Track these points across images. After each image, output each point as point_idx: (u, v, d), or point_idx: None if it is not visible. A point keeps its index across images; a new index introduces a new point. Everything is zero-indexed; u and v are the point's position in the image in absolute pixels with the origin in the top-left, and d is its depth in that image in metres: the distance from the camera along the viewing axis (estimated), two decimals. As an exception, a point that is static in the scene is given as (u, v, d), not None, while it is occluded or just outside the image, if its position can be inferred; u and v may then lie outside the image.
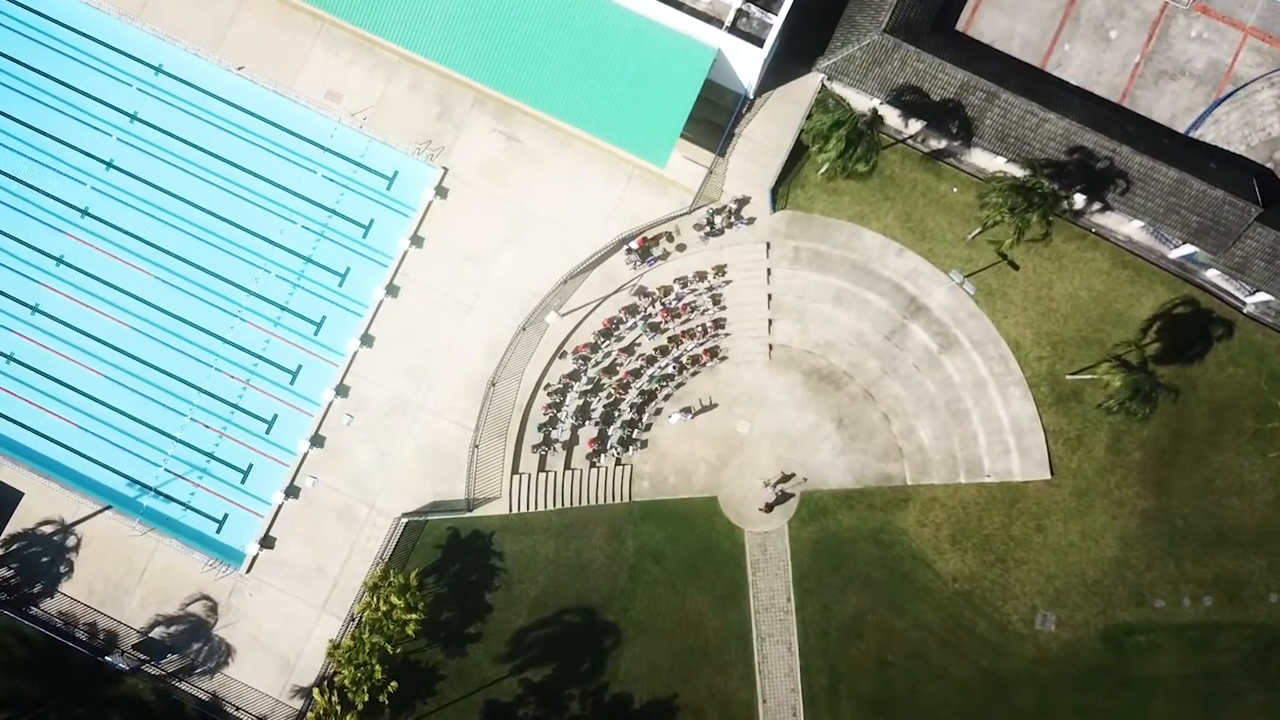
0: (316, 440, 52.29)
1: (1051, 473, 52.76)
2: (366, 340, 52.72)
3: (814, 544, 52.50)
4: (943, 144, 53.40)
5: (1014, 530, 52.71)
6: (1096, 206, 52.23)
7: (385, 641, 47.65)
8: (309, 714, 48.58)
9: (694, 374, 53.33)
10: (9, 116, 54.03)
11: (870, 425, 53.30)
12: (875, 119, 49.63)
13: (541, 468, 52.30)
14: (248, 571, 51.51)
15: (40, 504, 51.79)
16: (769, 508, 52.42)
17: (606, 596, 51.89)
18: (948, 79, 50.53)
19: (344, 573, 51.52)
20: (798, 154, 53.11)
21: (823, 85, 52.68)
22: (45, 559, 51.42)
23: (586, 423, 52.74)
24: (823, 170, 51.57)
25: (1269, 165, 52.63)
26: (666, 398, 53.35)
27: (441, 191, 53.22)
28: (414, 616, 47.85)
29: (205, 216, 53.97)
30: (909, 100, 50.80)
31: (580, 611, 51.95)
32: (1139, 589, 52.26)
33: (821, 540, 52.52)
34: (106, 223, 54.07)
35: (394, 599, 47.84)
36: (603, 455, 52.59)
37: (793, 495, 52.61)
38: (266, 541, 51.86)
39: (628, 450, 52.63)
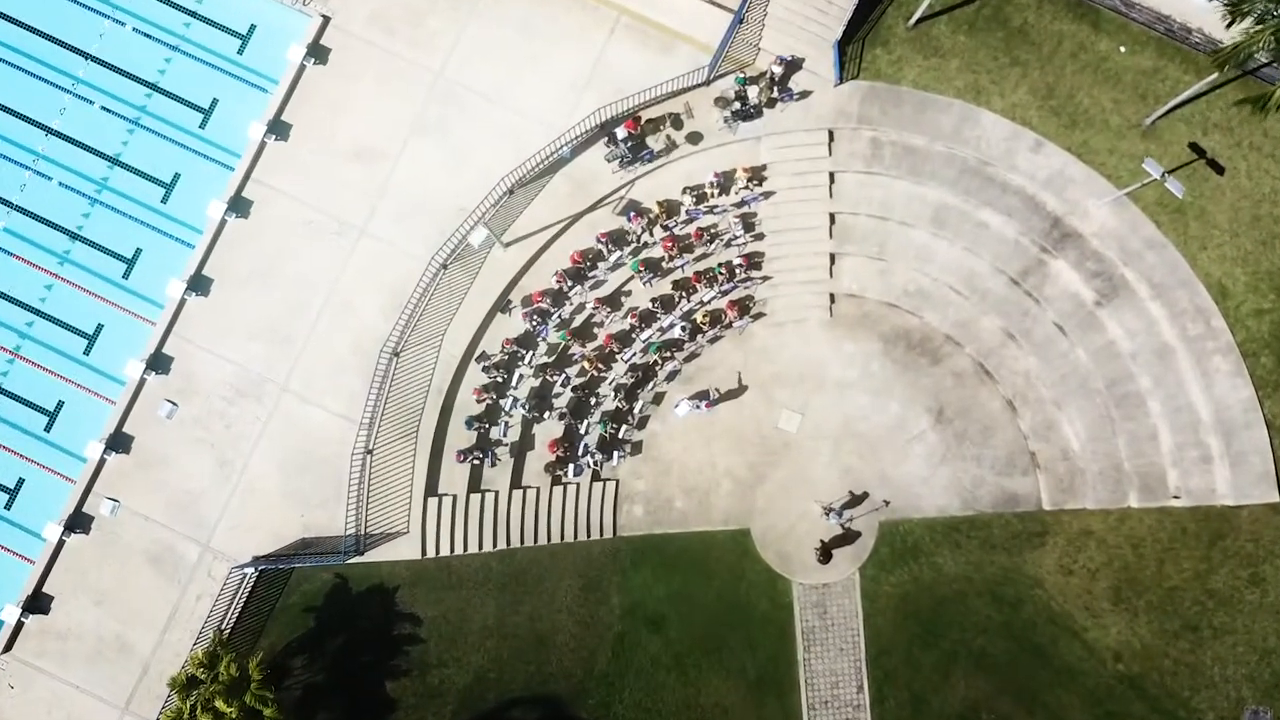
0: (119, 442, 41.74)
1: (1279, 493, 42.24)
2: (199, 284, 42.31)
3: (899, 602, 43.60)
4: (1108, -27, 40.97)
5: (1214, 582, 42.55)
6: (1354, 70, 39.17)
7: (203, 777, 35.93)
8: None
9: (714, 340, 44.35)
10: None
11: (987, 419, 43.77)
12: None
13: (475, 486, 42.85)
14: (6, 649, 41.11)
15: None
16: (828, 549, 43.04)
17: (579, 684, 42.80)
18: None
19: (160, 651, 40.69)
20: (879, -11, 41.50)
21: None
22: None
23: (546, 415, 43.80)
24: None
25: None
26: (671, 376, 44.47)
27: (320, 53, 42.93)
28: (256, 731, 36.28)
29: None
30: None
31: (538, 706, 42.37)
32: (1403, 673, 41.47)
33: (911, 596, 43.61)
34: None
35: (220, 704, 36.65)
36: (572, 465, 43.78)
37: (863, 530, 43.49)
38: (37, 602, 41.32)
39: (611, 458, 43.84)
